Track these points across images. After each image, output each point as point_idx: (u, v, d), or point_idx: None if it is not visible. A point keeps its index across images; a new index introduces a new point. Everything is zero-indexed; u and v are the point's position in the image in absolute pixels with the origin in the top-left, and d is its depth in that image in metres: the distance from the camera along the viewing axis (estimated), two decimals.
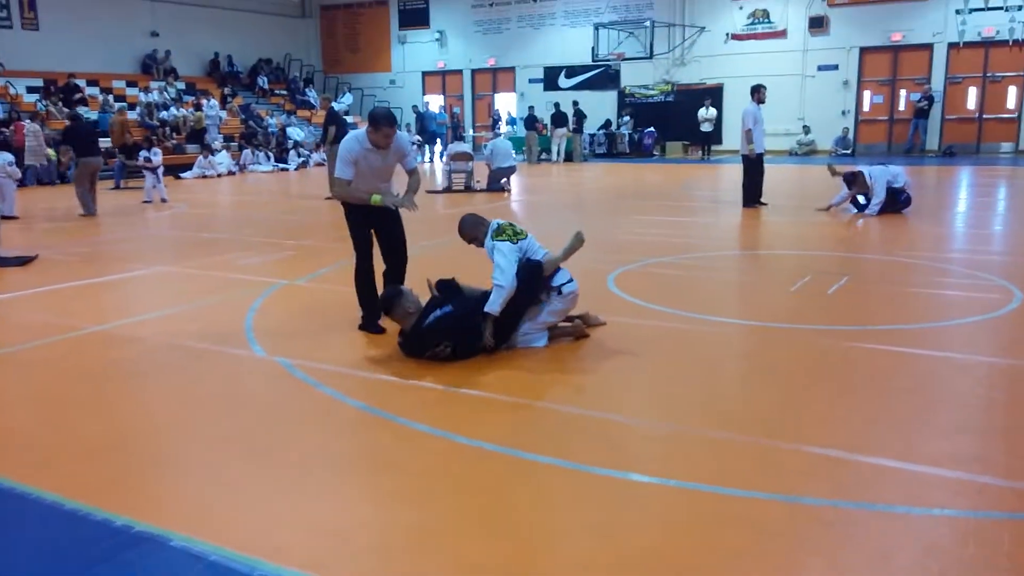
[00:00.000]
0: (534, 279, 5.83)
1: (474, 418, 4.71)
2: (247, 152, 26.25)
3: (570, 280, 6.01)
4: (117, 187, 20.26)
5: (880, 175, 12.47)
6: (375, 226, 6.46)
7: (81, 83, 26.12)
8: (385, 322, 6.31)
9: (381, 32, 35.27)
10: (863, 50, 26.75)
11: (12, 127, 21.44)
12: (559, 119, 27.65)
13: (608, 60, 29.32)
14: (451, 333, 5.60)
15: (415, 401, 5.00)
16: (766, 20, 27.72)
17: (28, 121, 21.10)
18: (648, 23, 28.24)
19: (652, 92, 30.08)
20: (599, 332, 6.31)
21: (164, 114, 26.62)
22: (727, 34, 28.37)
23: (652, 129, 29.42)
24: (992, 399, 4.87)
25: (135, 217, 14.66)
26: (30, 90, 25.03)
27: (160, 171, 17.17)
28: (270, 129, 28.65)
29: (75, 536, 3.44)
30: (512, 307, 5.73)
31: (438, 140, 29.63)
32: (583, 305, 6.28)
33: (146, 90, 27.66)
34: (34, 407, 5.10)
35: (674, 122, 29.05)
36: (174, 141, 25.75)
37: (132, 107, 26.34)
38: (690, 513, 3.57)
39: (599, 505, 3.63)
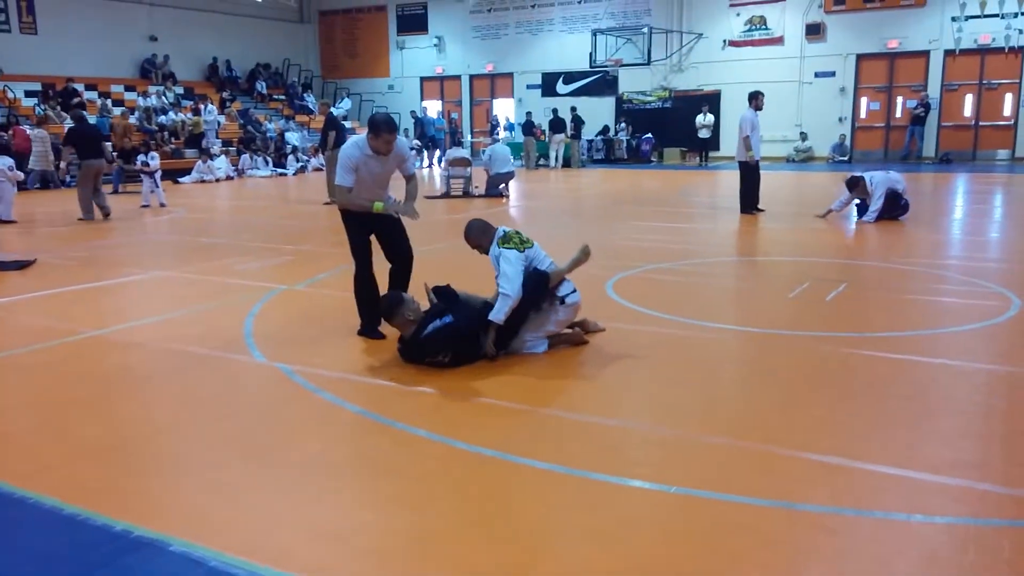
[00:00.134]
0: (539, 290, 5.83)
1: (473, 423, 4.71)
2: (245, 157, 26.25)
3: (573, 291, 6.03)
4: (115, 191, 20.25)
5: (881, 181, 12.49)
6: (375, 231, 6.46)
7: (79, 87, 26.08)
8: (384, 328, 6.32)
9: (379, 37, 35.31)
10: (860, 57, 26.82)
11: (11, 131, 21.44)
12: (557, 125, 27.68)
13: (606, 66, 29.37)
14: (450, 344, 5.59)
15: (414, 406, 5.00)
16: (763, 27, 27.79)
17: (36, 128, 21.18)
18: (646, 29, 28.29)
19: (650, 98, 30.12)
20: (598, 338, 6.31)
21: (162, 119, 26.61)
22: (724, 41, 28.43)
23: (650, 135, 29.47)
24: (991, 406, 4.88)
25: (133, 221, 14.65)
26: (28, 94, 25.02)
27: (158, 175, 17.17)
28: (268, 134, 28.65)
29: (74, 541, 3.44)
30: (514, 315, 5.73)
31: (437, 146, 29.65)
32: (582, 311, 6.28)
33: (144, 94, 27.65)
34: (33, 411, 5.09)
35: (672, 128, 29.09)
36: (172, 146, 25.74)
37: (131, 111, 26.33)
38: (689, 519, 3.57)
39: (598, 511, 3.63)
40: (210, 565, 3.20)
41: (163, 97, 28.11)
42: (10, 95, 24.23)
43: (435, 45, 33.98)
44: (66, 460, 4.25)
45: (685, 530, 3.47)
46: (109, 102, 26.15)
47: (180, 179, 23.16)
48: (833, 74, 27.08)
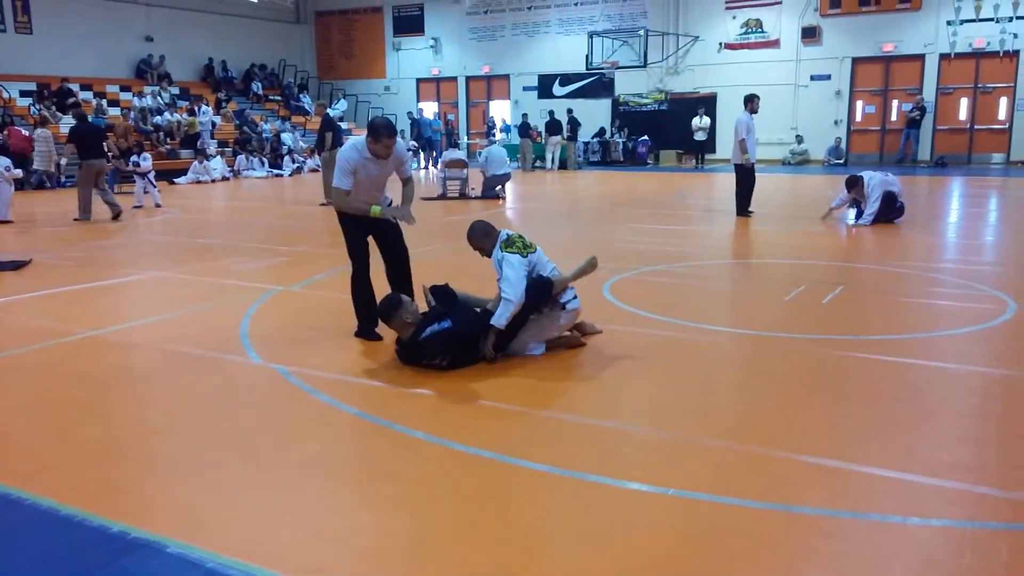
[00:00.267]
0: (542, 296, 5.82)
1: (471, 425, 4.71)
2: (241, 158, 26.22)
3: (574, 297, 6.04)
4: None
5: (877, 184, 12.49)
6: (373, 233, 6.45)
7: (75, 87, 26.03)
8: (381, 329, 6.31)
9: (376, 38, 35.30)
10: (855, 60, 26.88)
11: (6, 131, 21.42)
12: (553, 127, 27.70)
13: (602, 68, 29.41)
14: (447, 348, 5.59)
15: (412, 408, 4.99)
16: (759, 30, 27.83)
17: (38, 128, 21.37)
18: (642, 32, 28.34)
19: (646, 101, 30.15)
20: (595, 340, 6.32)
21: (158, 119, 26.58)
22: (720, 43, 28.47)
23: (646, 138, 29.49)
24: (987, 409, 4.89)
25: (128, 222, 14.61)
26: (23, 94, 24.96)
27: (151, 176, 17.13)
28: (264, 135, 28.63)
29: (71, 542, 3.43)
30: (514, 320, 5.72)
31: (433, 147, 29.66)
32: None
33: (140, 95, 27.61)
34: (30, 412, 5.07)
35: (668, 131, 29.13)
36: (168, 146, 25.71)
37: (126, 111, 26.30)
38: (686, 522, 3.57)
39: (595, 512, 3.63)
40: (207, 567, 3.20)
41: (159, 97, 28.07)
42: (5, 95, 24.18)
43: (431, 46, 33.98)
44: (63, 461, 4.24)
45: (682, 532, 3.47)
46: (104, 102, 26.09)
47: (176, 180, 23.12)
48: (829, 77, 27.14)
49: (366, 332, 6.47)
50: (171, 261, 10.32)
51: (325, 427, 4.74)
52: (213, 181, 23.89)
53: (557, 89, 31.43)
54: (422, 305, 6.15)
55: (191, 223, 14.67)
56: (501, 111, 32.86)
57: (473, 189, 18.41)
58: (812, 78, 27.30)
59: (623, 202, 17.42)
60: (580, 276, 6.12)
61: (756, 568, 3.19)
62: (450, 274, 6.50)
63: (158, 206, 16.75)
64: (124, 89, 28.13)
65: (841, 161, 26.53)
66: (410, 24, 34.36)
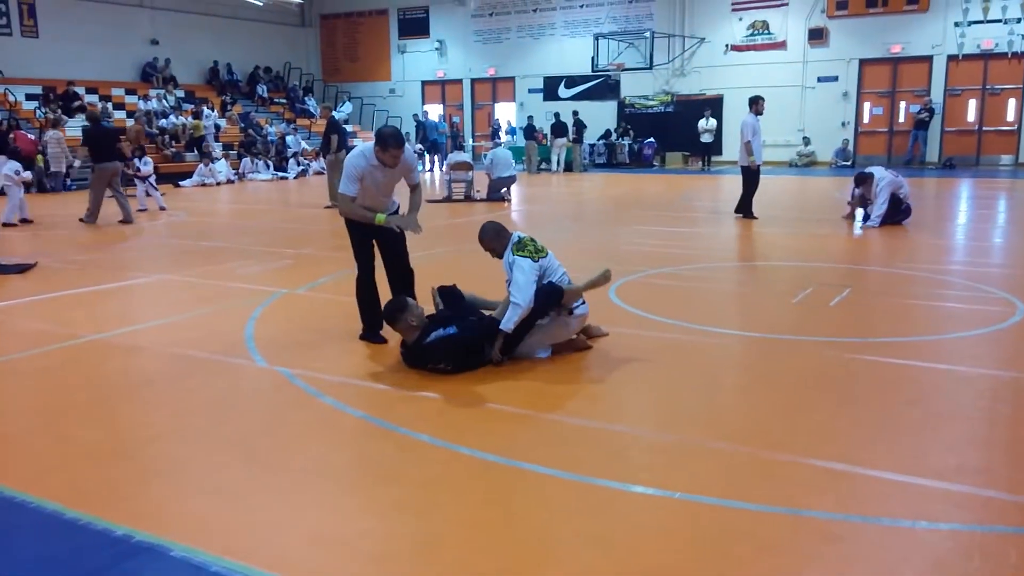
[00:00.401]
0: (551, 303, 5.79)
1: (476, 428, 4.69)
2: (246, 161, 26.25)
3: (583, 302, 6.02)
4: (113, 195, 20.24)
5: (887, 184, 12.43)
6: (377, 237, 6.43)
7: (80, 91, 26.11)
8: (386, 332, 6.29)
9: (381, 41, 35.32)
10: (863, 62, 26.82)
11: (12, 135, 21.48)
12: (559, 129, 27.67)
13: (608, 70, 29.38)
14: (452, 354, 5.57)
15: (417, 411, 4.97)
16: (766, 31, 27.78)
17: (51, 130, 21.58)
18: (648, 34, 28.31)
19: (652, 103, 30.12)
20: (601, 343, 6.30)
21: (163, 122, 26.62)
22: (727, 45, 28.43)
23: (652, 140, 29.46)
24: (996, 412, 4.86)
25: (133, 225, 14.59)
26: (29, 97, 25.03)
27: (151, 179, 17.13)
28: (269, 138, 28.65)
29: (75, 545, 3.42)
30: (522, 323, 5.70)
31: (438, 150, 29.66)
32: None
33: (145, 98, 27.66)
34: (34, 415, 5.07)
35: (674, 133, 29.09)
36: (173, 149, 25.75)
37: (131, 115, 26.36)
38: (693, 526, 3.55)
39: (601, 516, 3.61)
40: (211, 570, 3.18)
41: (164, 100, 28.12)
42: (11, 98, 24.24)
43: (436, 49, 33.99)
44: (67, 464, 4.24)
45: (689, 536, 3.45)
46: (110, 105, 26.15)
47: (181, 183, 23.15)
48: (836, 79, 27.08)
49: (371, 335, 6.45)
50: (176, 264, 10.32)
51: (330, 430, 4.73)
52: (218, 184, 23.91)
53: (563, 91, 31.40)
54: (429, 307, 6.13)
55: (196, 226, 14.67)
56: (506, 113, 32.83)
57: (478, 191, 18.39)
58: (819, 80, 27.25)
59: (629, 204, 17.40)
60: (592, 287, 6.11)
61: (763, 572, 3.17)
62: (455, 277, 6.48)
63: (162, 209, 16.76)
64: (130, 92, 28.21)
65: (848, 163, 26.47)
66: (415, 27, 34.37)
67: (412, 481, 4.00)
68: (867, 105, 27.28)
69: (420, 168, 6.20)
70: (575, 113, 28.26)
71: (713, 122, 27.32)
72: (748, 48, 28.12)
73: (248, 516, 3.66)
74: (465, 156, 20.78)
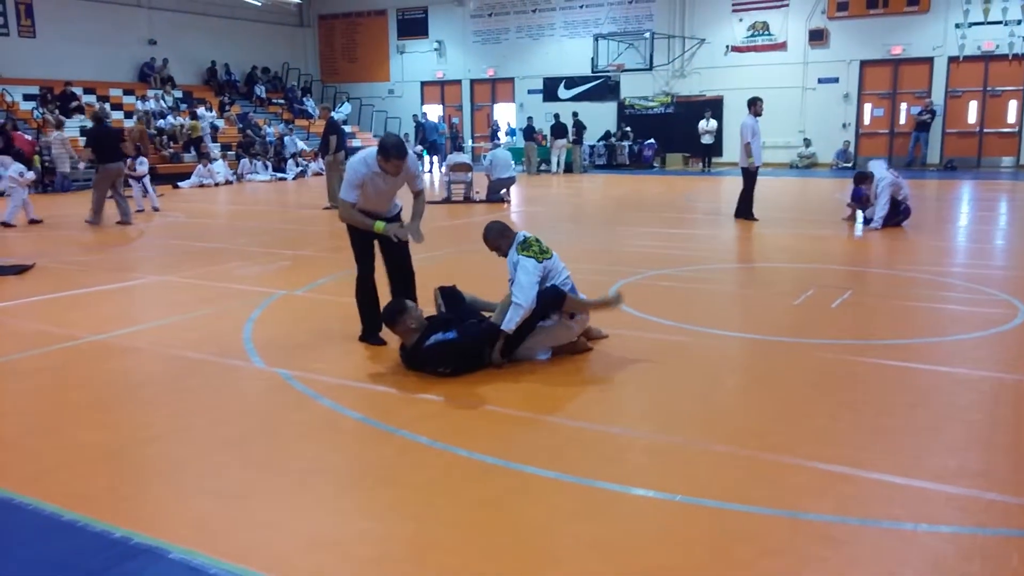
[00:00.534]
0: (552, 306, 5.77)
1: (475, 431, 4.68)
2: (245, 161, 26.24)
3: None
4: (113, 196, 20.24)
5: (888, 185, 12.39)
6: (378, 238, 6.40)
7: (78, 91, 26.08)
8: (385, 334, 6.28)
9: (379, 42, 35.31)
10: (863, 63, 26.80)
11: (9, 136, 21.49)
12: (558, 130, 27.65)
13: (608, 71, 29.38)
14: (451, 358, 5.55)
15: (415, 414, 4.96)
16: (766, 32, 27.78)
17: (55, 131, 21.70)
18: (648, 35, 28.30)
19: (652, 104, 30.12)
20: (601, 345, 6.29)
21: (161, 123, 26.61)
22: (727, 46, 28.41)
23: (652, 141, 29.45)
24: (997, 415, 4.84)
25: (131, 226, 14.56)
26: (26, 97, 24.99)
27: (146, 180, 17.13)
28: (268, 138, 28.64)
29: (73, 547, 3.41)
30: (522, 325, 5.69)
31: (438, 151, 29.66)
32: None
33: (143, 98, 27.64)
34: (32, 417, 5.06)
35: (674, 134, 29.07)
36: (171, 150, 25.74)
37: (129, 115, 26.35)
38: (693, 528, 3.54)
39: (600, 519, 3.60)
40: (209, 572, 3.17)
41: (161, 101, 28.10)
42: (8, 99, 24.21)
43: (435, 49, 33.97)
44: (65, 466, 4.22)
45: (689, 538, 3.44)
46: (108, 106, 26.13)
47: (180, 183, 23.12)
48: (837, 80, 27.06)
49: (370, 337, 6.44)
50: (174, 265, 10.30)
51: (328, 432, 4.72)
52: (217, 185, 23.89)
53: (562, 92, 31.39)
54: (430, 308, 6.11)
55: (194, 227, 14.66)
56: (506, 114, 32.82)
57: (478, 192, 18.37)
58: (820, 81, 27.23)
59: (629, 206, 17.40)
60: (600, 307, 6.09)
61: (764, 575, 3.16)
62: (455, 278, 6.47)
63: (156, 210, 16.68)
64: (127, 93, 28.16)
65: (849, 164, 26.41)
66: (414, 27, 34.36)
67: (410, 483, 3.99)
68: (868, 106, 27.27)
69: (419, 167, 6.16)
70: (575, 114, 28.25)
71: (713, 123, 27.32)
72: (748, 49, 28.11)
73: (245, 518, 3.65)
74: (464, 157, 20.75)
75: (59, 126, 21.61)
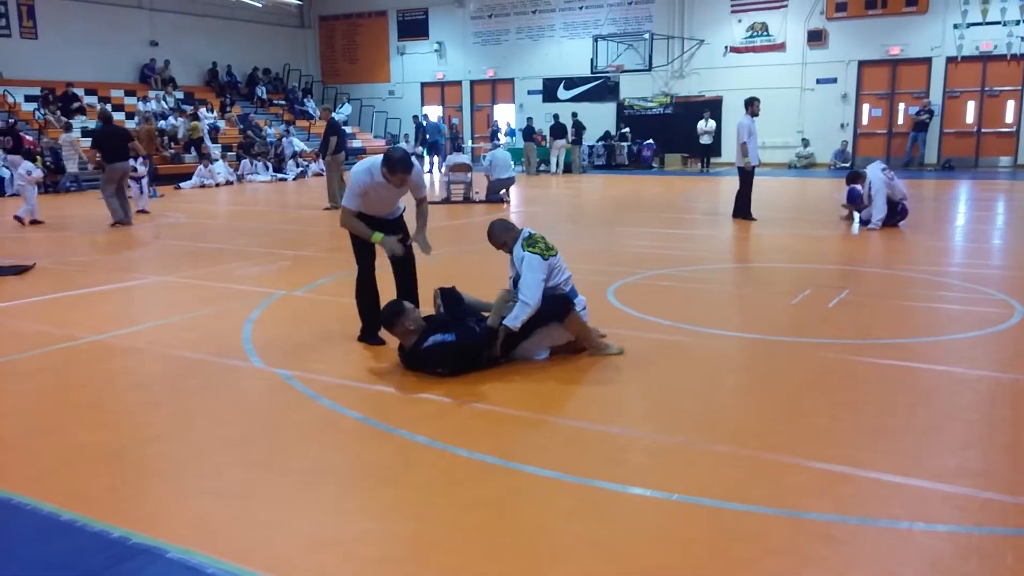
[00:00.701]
0: (555, 312, 5.77)
1: (474, 431, 4.68)
2: (245, 162, 26.23)
3: (583, 308, 6.02)
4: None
5: (882, 186, 12.39)
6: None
7: (79, 92, 26.08)
8: (385, 334, 6.28)
9: (380, 43, 35.30)
10: (862, 63, 26.81)
11: (19, 136, 21.56)
12: (558, 131, 27.64)
13: (607, 72, 29.37)
14: (449, 360, 5.56)
15: (415, 414, 4.97)
16: (765, 33, 27.78)
17: (65, 132, 21.91)
18: (647, 35, 28.29)
19: (651, 104, 30.12)
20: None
21: (162, 123, 26.60)
22: (726, 47, 28.41)
23: (651, 141, 29.45)
24: (995, 414, 4.85)
25: (132, 227, 14.57)
26: (28, 99, 25.00)
27: (144, 181, 17.11)
28: (269, 139, 28.63)
29: (71, 547, 3.41)
30: (524, 326, 5.70)
31: (438, 151, 29.65)
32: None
33: (144, 99, 27.64)
34: (31, 417, 5.06)
35: (673, 134, 29.06)
36: (172, 151, 25.73)
37: (130, 116, 26.33)
38: (693, 528, 3.54)
39: (600, 519, 3.60)
40: (207, 572, 3.18)
41: (163, 102, 28.10)
42: (10, 100, 24.23)
43: (436, 50, 33.96)
44: (64, 466, 4.23)
45: (688, 538, 3.45)
46: (109, 107, 26.08)
47: (181, 184, 23.12)
48: (835, 80, 27.06)
49: (369, 336, 6.45)
50: (174, 265, 10.31)
51: (328, 432, 4.72)
52: (217, 185, 23.88)
53: (562, 93, 31.39)
54: (429, 308, 6.12)
55: (195, 227, 14.66)
56: (506, 115, 32.81)
57: (477, 193, 18.38)
58: (818, 81, 27.24)
59: (628, 206, 17.40)
60: (599, 349, 6.05)
61: (763, 574, 3.16)
62: (454, 279, 6.47)
63: (142, 211, 16.47)
64: (129, 94, 28.16)
65: (847, 164, 26.36)
66: (414, 28, 34.35)
67: (411, 483, 4.00)
68: (866, 107, 27.27)
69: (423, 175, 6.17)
70: (574, 115, 28.23)
71: (712, 124, 27.31)
72: (747, 50, 28.11)
73: (245, 518, 3.65)
74: (464, 158, 20.76)
75: (68, 128, 21.80)
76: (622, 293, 8.10)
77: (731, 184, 15.49)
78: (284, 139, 28.27)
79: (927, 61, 25.89)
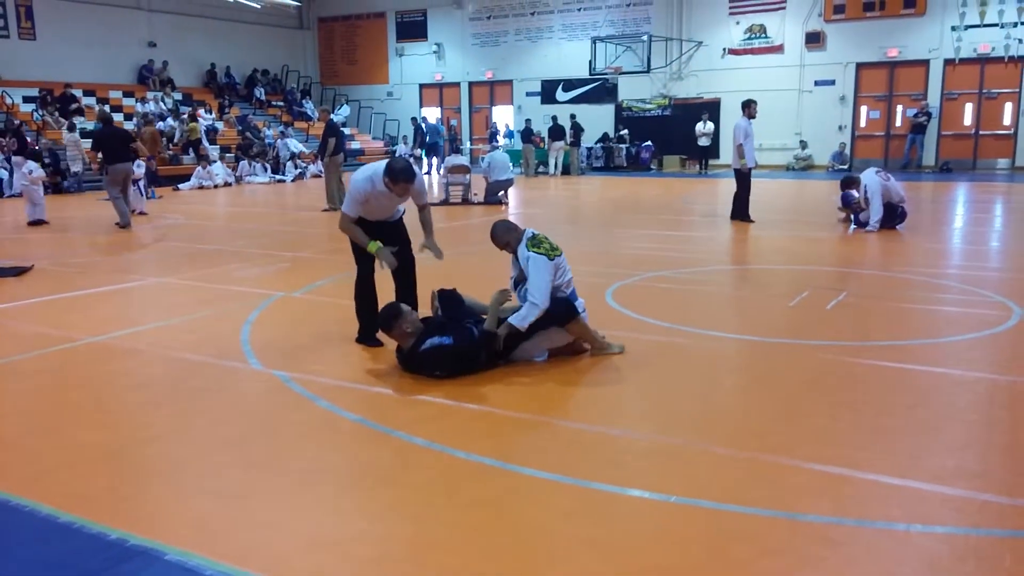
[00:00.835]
0: (559, 316, 5.78)
1: (472, 432, 4.68)
2: (244, 163, 26.22)
3: (583, 311, 6.02)
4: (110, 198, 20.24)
5: (877, 189, 12.40)
6: (379, 239, 6.40)
7: (78, 93, 26.08)
8: (383, 336, 6.28)
9: (378, 44, 35.32)
10: (859, 66, 26.85)
11: (23, 136, 21.57)
12: (556, 132, 27.67)
13: (605, 74, 29.39)
14: (447, 363, 5.56)
15: (413, 415, 4.97)
16: (763, 35, 27.82)
17: (69, 133, 22.03)
18: (645, 37, 28.30)
19: (649, 106, 30.14)
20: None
21: (161, 125, 26.59)
22: (724, 49, 28.45)
23: (649, 143, 29.47)
24: (993, 416, 4.86)
25: (131, 229, 14.56)
26: (26, 100, 25.00)
27: (142, 183, 17.09)
28: (267, 140, 28.62)
29: (69, 548, 3.41)
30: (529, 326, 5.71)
31: (436, 153, 29.66)
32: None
33: (143, 100, 27.64)
34: (29, 419, 5.06)
35: (671, 136, 29.10)
36: (170, 152, 25.72)
37: (128, 117, 26.33)
38: (691, 529, 3.55)
39: (598, 520, 3.61)
40: (205, 574, 3.18)
41: (161, 103, 28.09)
42: (8, 101, 24.22)
43: (434, 52, 33.99)
44: (62, 467, 4.23)
45: (686, 540, 3.45)
46: (107, 108, 26.10)
47: (180, 186, 23.12)
48: (833, 82, 27.11)
49: (367, 338, 6.45)
50: (173, 267, 10.31)
51: (326, 434, 4.72)
52: (216, 187, 23.87)
53: (560, 94, 31.40)
54: (428, 310, 6.12)
55: (193, 229, 14.66)
56: (504, 116, 32.82)
57: (476, 194, 18.38)
58: (816, 83, 27.28)
59: (626, 208, 17.41)
60: (602, 348, 6.07)
61: (761, 575, 3.17)
62: (453, 280, 6.48)
63: (141, 213, 16.54)
64: (127, 95, 28.17)
65: (846, 167, 26.39)
66: (413, 30, 34.37)
67: (410, 484, 4.00)
68: (864, 109, 27.31)
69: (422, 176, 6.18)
70: (572, 116, 28.27)
71: (710, 125, 27.33)
72: (745, 52, 28.15)
73: (243, 519, 3.65)
74: (462, 159, 20.75)
75: (71, 128, 21.88)
76: (621, 295, 8.10)
77: (729, 186, 15.50)
78: (279, 140, 28.26)
79: (925, 63, 25.93)
